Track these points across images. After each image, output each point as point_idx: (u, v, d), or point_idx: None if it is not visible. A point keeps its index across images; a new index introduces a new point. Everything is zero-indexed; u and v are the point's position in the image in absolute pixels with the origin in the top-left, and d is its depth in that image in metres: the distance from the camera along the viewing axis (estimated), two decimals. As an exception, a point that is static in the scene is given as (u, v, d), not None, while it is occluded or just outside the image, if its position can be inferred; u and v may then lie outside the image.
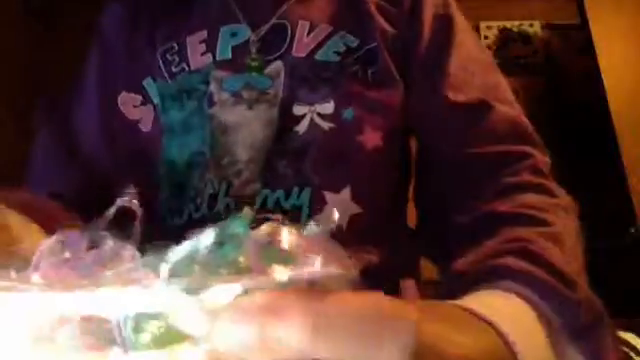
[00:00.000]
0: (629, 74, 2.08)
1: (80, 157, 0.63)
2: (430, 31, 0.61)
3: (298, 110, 0.57)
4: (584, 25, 2.15)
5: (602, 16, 2.14)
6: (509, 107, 0.57)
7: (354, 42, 0.60)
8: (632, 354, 0.85)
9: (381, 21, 0.61)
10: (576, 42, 2.30)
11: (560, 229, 0.45)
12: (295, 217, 0.53)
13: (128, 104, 0.63)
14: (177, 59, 0.62)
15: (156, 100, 0.62)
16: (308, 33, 0.61)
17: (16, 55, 2.04)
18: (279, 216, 0.52)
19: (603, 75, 2.05)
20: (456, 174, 0.55)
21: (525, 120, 0.57)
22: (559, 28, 2.39)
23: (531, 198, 0.48)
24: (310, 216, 0.52)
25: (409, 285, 0.56)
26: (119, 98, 0.63)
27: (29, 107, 0.68)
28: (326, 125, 0.57)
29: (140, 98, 0.63)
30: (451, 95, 0.56)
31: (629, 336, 0.88)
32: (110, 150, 0.63)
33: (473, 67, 0.59)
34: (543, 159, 0.54)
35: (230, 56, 0.61)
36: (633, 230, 1.88)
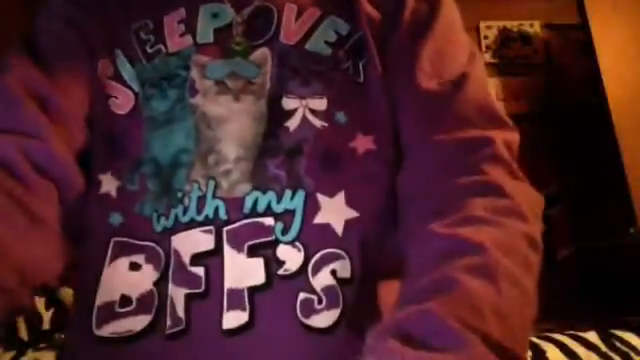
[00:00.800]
0: (629, 74, 2.08)
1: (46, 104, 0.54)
2: (410, 14, 0.58)
3: (288, 104, 0.54)
4: (584, 25, 2.15)
5: (602, 16, 2.14)
6: (477, 89, 0.55)
7: (344, 29, 0.58)
8: (632, 354, 0.85)
9: (367, 6, 0.59)
10: (576, 42, 2.30)
11: (495, 254, 0.42)
12: (287, 221, 0.51)
13: (104, 74, 0.58)
14: (152, 39, 0.58)
15: (136, 87, 0.57)
16: (296, 18, 0.58)
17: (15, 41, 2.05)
18: (271, 220, 0.50)
19: (603, 75, 2.05)
20: (413, 170, 0.54)
21: (491, 100, 0.55)
22: (559, 28, 2.39)
23: (477, 207, 0.46)
24: (303, 221, 0.51)
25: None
26: (98, 65, 0.58)
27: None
28: (319, 123, 0.54)
29: (112, 68, 0.58)
30: (424, 83, 0.55)
31: (629, 336, 0.88)
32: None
33: (449, 50, 0.57)
34: (509, 141, 0.52)
35: (212, 39, 0.57)
36: (633, 230, 1.88)
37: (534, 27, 2.42)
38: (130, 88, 0.57)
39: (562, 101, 2.25)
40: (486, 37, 2.38)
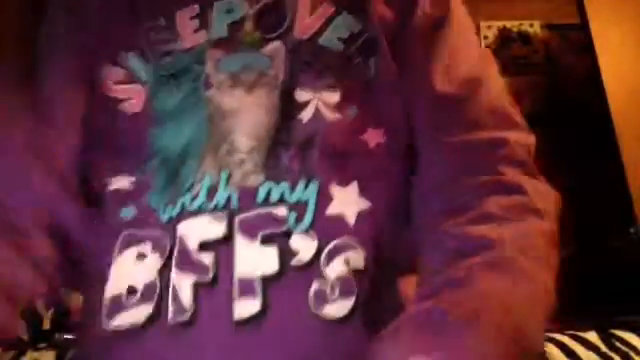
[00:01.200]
0: (629, 74, 2.08)
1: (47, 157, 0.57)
2: (423, 15, 0.59)
3: (301, 96, 0.55)
4: (584, 25, 2.15)
5: (602, 16, 2.14)
6: (491, 91, 0.56)
7: (357, 26, 0.58)
8: (632, 354, 0.85)
9: (380, 5, 0.59)
10: (576, 42, 2.30)
11: (510, 250, 0.43)
12: (300, 212, 0.51)
13: (110, 79, 0.58)
14: (166, 37, 0.58)
15: (148, 82, 0.57)
16: (310, 13, 0.58)
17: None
18: (284, 210, 0.51)
19: (603, 75, 2.05)
20: (428, 170, 0.55)
21: (506, 103, 0.57)
22: (559, 28, 2.39)
23: (492, 205, 0.47)
24: (316, 211, 0.51)
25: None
26: (102, 72, 0.58)
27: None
28: (332, 115, 0.55)
29: (122, 72, 0.58)
30: (438, 85, 0.55)
31: (629, 336, 0.88)
32: (83, 136, 0.59)
33: (462, 53, 0.58)
34: (525, 142, 0.53)
35: (226, 34, 0.57)
36: (633, 230, 1.88)
37: (534, 27, 2.41)
38: (140, 81, 0.57)
39: (562, 101, 2.24)
40: (486, 37, 2.38)
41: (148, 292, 0.50)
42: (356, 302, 0.49)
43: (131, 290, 0.50)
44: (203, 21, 0.58)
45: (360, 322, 0.48)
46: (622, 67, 2.09)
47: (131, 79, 0.58)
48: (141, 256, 0.51)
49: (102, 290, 0.52)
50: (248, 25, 0.57)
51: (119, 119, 0.57)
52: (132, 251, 0.52)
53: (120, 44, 0.59)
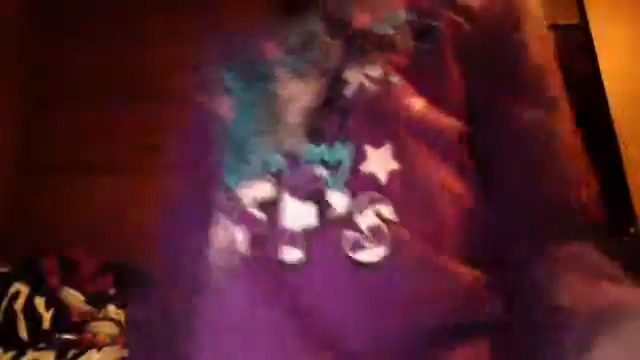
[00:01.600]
0: (629, 74, 2.09)
1: None
2: (530, 56, 0.66)
3: (348, 76, 0.60)
4: (584, 25, 2.15)
5: (602, 16, 2.14)
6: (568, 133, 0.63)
7: (411, 15, 0.62)
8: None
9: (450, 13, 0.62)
10: (576, 42, 2.30)
11: None
12: (337, 170, 0.56)
13: (222, 108, 0.67)
14: (246, 46, 0.68)
15: (232, 87, 0.66)
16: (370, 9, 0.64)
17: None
18: (323, 169, 0.56)
19: (603, 75, 2.05)
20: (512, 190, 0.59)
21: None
22: (559, 28, 2.39)
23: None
24: (351, 169, 0.56)
25: None
26: (216, 107, 0.67)
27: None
28: (374, 87, 0.59)
29: (229, 101, 0.67)
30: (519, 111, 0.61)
31: (629, 336, 0.88)
32: None
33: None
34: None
35: (300, 41, 0.64)
36: (633, 230, 1.88)
37: (534, 27, 2.42)
38: (228, 89, 0.67)
39: (562, 101, 2.25)
40: (486, 37, 2.39)
41: (224, 251, 0.59)
42: (389, 249, 0.53)
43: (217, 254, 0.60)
44: (280, 34, 0.66)
45: (393, 267, 0.53)
46: (622, 67, 2.09)
47: (223, 91, 0.67)
48: (217, 223, 0.61)
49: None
50: (322, 34, 0.64)
51: (213, 124, 0.67)
52: (220, 224, 0.61)
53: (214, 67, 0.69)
